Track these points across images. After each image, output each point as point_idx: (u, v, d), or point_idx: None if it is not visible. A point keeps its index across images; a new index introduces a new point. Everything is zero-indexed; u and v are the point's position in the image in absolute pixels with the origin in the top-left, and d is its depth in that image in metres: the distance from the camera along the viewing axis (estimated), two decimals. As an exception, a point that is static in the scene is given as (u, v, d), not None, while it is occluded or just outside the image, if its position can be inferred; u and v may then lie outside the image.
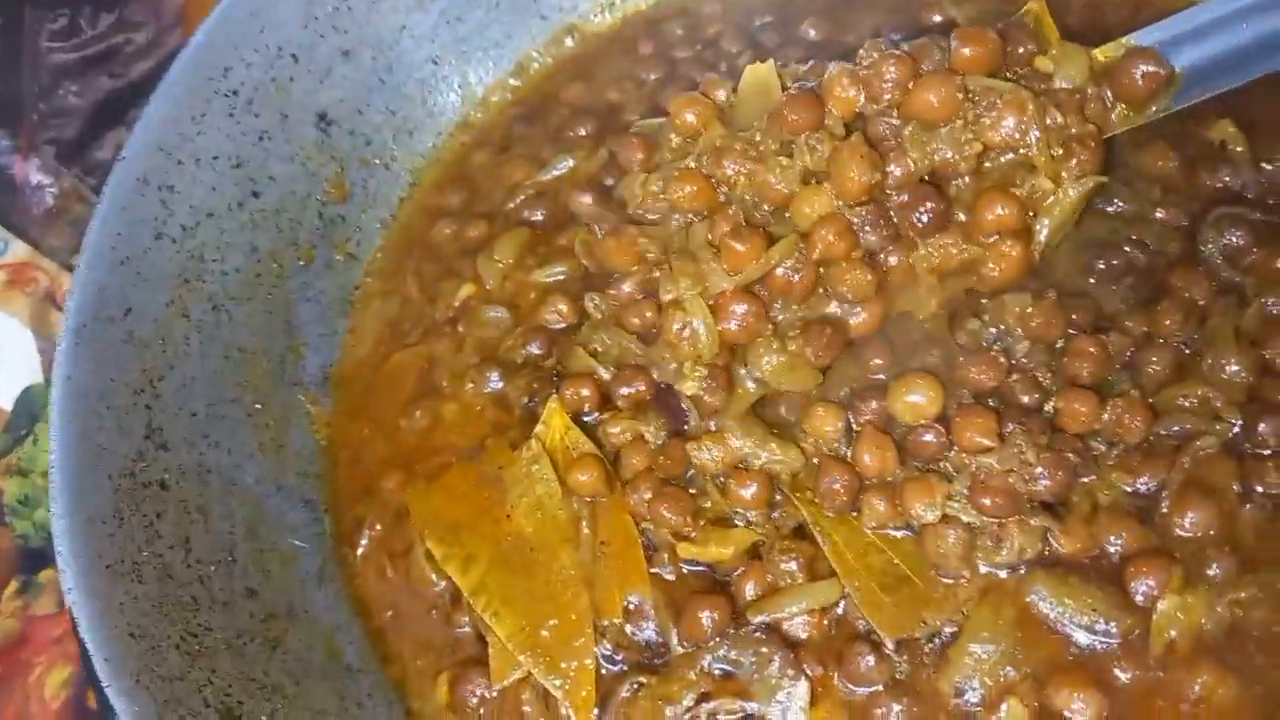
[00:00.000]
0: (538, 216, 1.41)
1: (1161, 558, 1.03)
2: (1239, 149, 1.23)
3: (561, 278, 1.34)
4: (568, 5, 1.58)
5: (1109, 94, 1.17)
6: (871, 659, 1.05)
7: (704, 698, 1.07)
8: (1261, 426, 1.07)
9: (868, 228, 1.13)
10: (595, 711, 1.08)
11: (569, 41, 1.59)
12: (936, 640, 1.06)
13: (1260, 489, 1.06)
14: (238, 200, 1.34)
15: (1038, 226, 1.15)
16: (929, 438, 1.09)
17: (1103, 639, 1.04)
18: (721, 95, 1.24)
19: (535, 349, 1.29)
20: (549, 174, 1.44)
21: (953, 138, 1.13)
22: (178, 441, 1.21)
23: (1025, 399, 1.12)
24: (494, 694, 1.13)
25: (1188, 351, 1.14)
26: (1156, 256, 1.19)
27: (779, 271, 1.14)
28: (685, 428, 1.18)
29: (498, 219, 1.43)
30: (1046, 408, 1.11)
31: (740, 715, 1.06)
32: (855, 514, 1.11)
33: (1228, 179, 1.22)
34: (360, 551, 1.26)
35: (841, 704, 1.06)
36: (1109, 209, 1.22)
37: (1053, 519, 1.07)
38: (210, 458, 1.23)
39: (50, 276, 1.68)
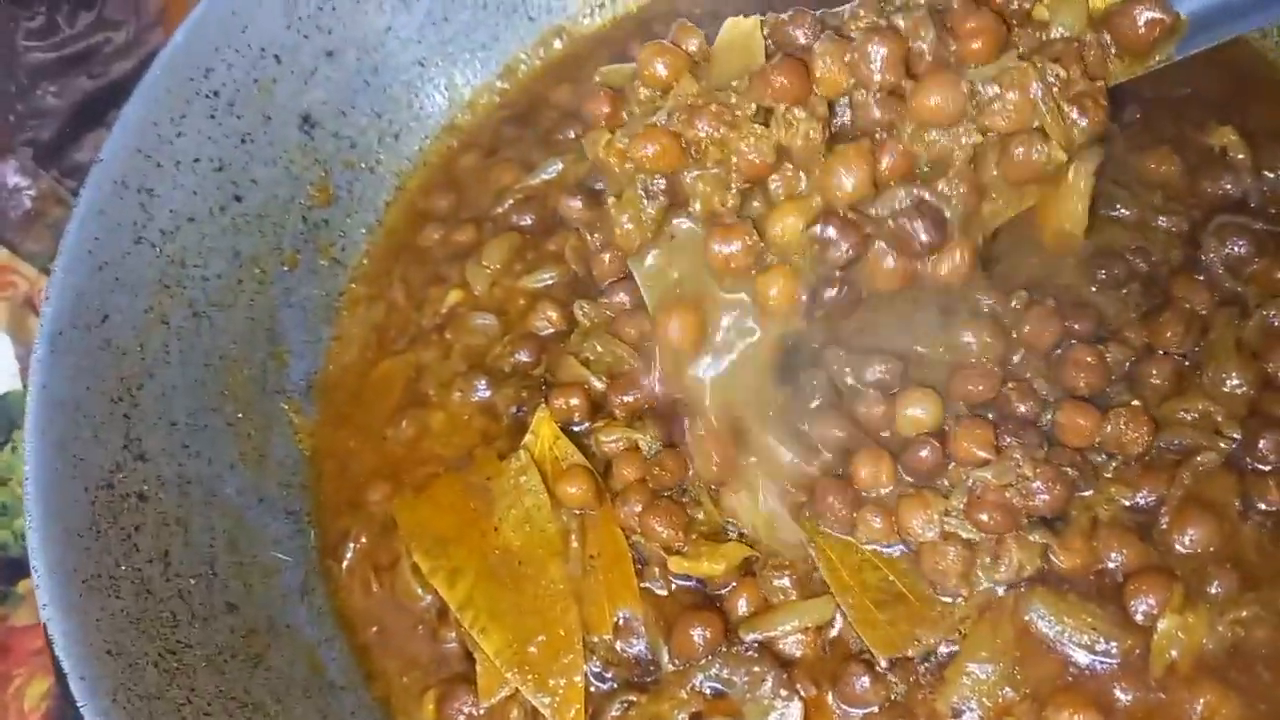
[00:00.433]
0: (526, 221, 1.40)
1: (1162, 576, 1.03)
2: (1240, 156, 1.22)
3: (551, 283, 1.33)
4: (556, 6, 1.57)
5: (1108, 40, 1.10)
6: (866, 679, 1.04)
7: (695, 717, 1.07)
8: (1262, 443, 1.07)
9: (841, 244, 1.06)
10: (584, 730, 1.07)
11: (558, 43, 1.58)
12: (933, 660, 1.05)
13: (1262, 506, 1.05)
14: (219, 204, 1.32)
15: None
16: (925, 453, 1.08)
17: (1103, 659, 1.03)
18: (694, 45, 1.15)
19: (524, 357, 1.28)
20: (538, 178, 1.43)
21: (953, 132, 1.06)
22: (157, 452, 1.19)
23: (1022, 408, 1.11)
24: (481, 712, 1.12)
25: (1188, 364, 1.13)
26: (1159, 265, 1.18)
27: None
28: (682, 439, 1.17)
29: (486, 224, 1.42)
30: (1045, 419, 1.10)
31: (733, 736, 1.05)
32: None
33: (1229, 186, 1.21)
34: (345, 565, 1.25)
35: (836, 726, 1.05)
36: (1112, 214, 1.21)
37: (1051, 535, 1.06)
38: (190, 468, 1.22)
39: (29, 281, 1.67)
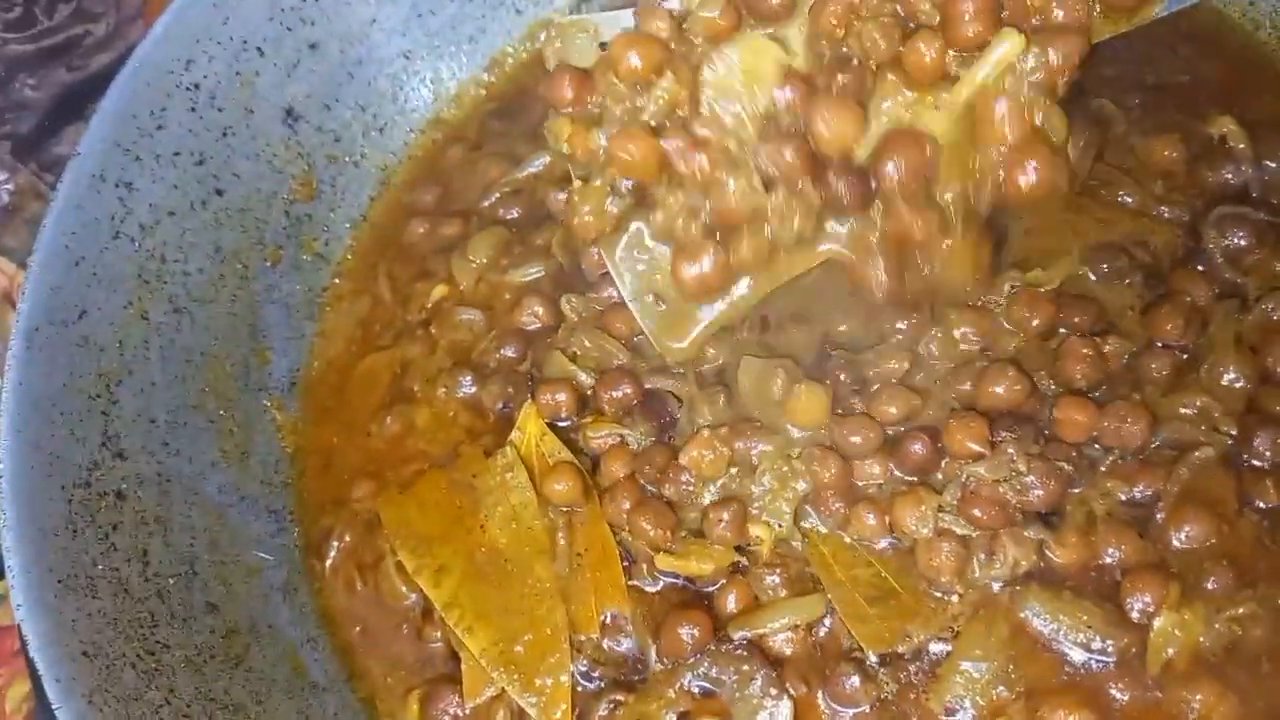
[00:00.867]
0: (513, 215, 1.39)
1: (1158, 573, 1.02)
2: (1240, 146, 1.22)
3: (538, 278, 1.32)
4: (543, -1, 1.55)
5: None
6: (856, 679, 1.03)
7: (684, 717, 1.06)
8: (1258, 440, 1.06)
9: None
10: (571, 730, 1.07)
11: (544, 37, 1.55)
12: (925, 658, 1.05)
13: (1260, 503, 1.05)
14: (200, 198, 1.30)
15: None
16: (917, 447, 1.07)
17: (1099, 657, 1.02)
18: (664, 29, 1.09)
19: (510, 352, 1.27)
20: (525, 171, 1.41)
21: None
22: (136, 450, 1.18)
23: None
24: (467, 712, 1.11)
25: (1185, 357, 1.12)
26: (1161, 256, 1.18)
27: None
28: (671, 434, 1.17)
29: (472, 218, 1.40)
30: (1042, 415, 1.10)
31: (721, 735, 1.04)
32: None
33: (1230, 176, 1.21)
34: (328, 563, 1.23)
35: (826, 726, 1.05)
36: (1117, 201, 1.21)
37: (1048, 530, 1.05)
38: (170, 466, 1.20)
39: (7, 276, 1.65)
